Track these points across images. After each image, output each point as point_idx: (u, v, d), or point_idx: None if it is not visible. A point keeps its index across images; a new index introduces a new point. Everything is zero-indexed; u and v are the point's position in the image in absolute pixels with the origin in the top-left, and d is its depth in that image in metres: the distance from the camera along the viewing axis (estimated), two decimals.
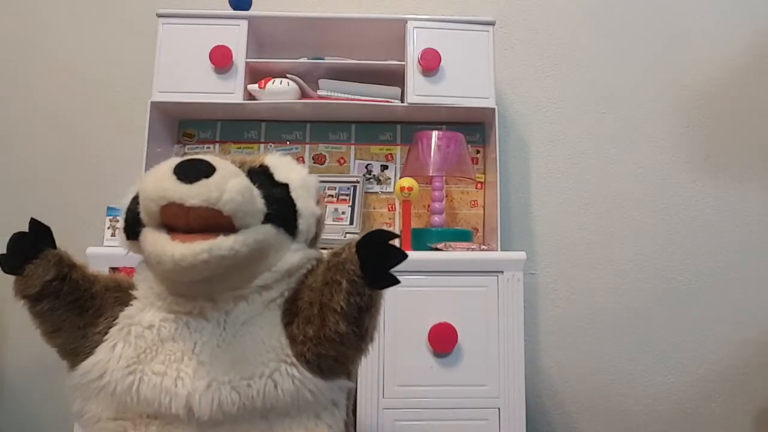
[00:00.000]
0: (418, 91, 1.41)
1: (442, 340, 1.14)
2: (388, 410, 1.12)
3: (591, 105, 1.68)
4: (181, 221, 0.60)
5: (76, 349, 0.69)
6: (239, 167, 0.66)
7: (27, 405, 1.54)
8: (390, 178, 1.57)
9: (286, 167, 0.72)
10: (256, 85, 1.42)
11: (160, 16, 1.43)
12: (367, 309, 0.64)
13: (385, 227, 0.63)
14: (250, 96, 1.44)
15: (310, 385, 0.66)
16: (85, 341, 0.68)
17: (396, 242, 0.63)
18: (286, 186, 0.69)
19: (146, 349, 0.66)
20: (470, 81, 1.42)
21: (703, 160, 1.66)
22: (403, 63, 1.43)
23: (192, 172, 0.59)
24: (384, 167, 1.58)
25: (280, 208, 0.67)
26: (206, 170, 0.59)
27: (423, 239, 1.34)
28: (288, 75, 1.44)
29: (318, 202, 0.73)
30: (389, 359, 1.14)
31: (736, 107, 1.68)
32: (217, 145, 1.58)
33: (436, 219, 1.40)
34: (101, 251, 1.16)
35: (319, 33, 1.51)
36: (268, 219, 0.65)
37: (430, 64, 1.39)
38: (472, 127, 1.57)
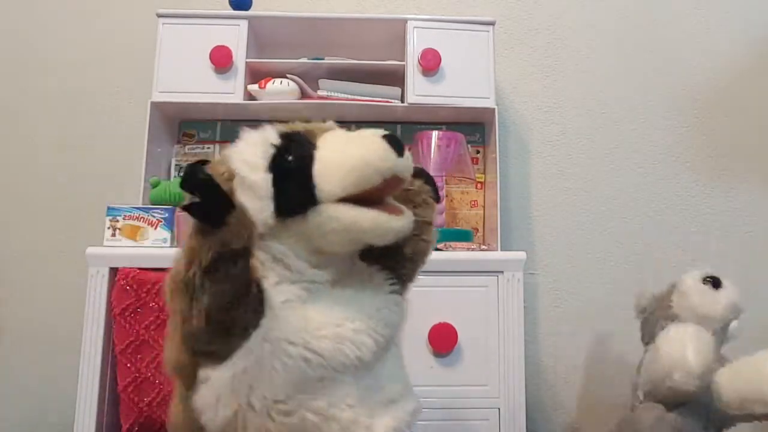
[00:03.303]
0: (418, 91, 1.41)
1: (442, 340, 1.14)
2: None
3: (591, 105, 1.68)
4: (380, 193, 0.65)
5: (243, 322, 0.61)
6: None
7: (33, 411, 1.54)
8: None
9: None
10: (256, 85, 1.42)
11: (160, 16, 1.43)
12: None
13: None
14: (250, 96, 1.44)
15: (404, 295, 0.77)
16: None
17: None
18: None
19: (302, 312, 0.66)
20: (470, 81, 1.42)
21: (703, 160, 1.66)
22: (403, 63, 1.42)
23: (399, 145, 0.64)
24: None
25: None
26: (401, 143, 0.65)
27: None
28: (288, 75, 1.44)
29: None
30: None
31: (736, 107, 1.68)
32: (217, 146, 1.58)
33: (437, 219, 1.39)
34: (101, 251, 1.16)
35: (319, 33, 1.50)
36: None
37: (430, 64, 1.39)
38: (472, 127, 1.57)
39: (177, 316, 0.58)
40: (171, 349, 0.65)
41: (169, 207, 1.23)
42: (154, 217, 1.21)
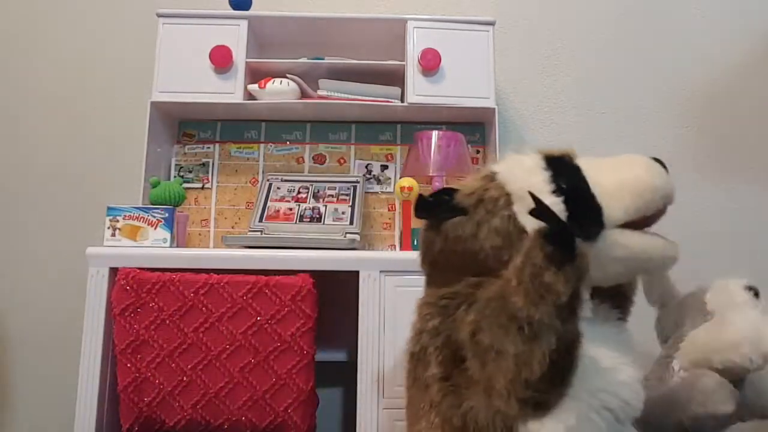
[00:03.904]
0: (418, 91, 1.41)
1: None
2: (388, 410, 1.12)
3: (591, 105, 1.68)
4: (647, 220, 0.65)
5: None
6: None
7: (33, 412, 1.54)
8: (390, 178, 1.57)
9: None
10: (256, 85, 1.42)
11: (160, 16, 1.43)
12: None
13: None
14: (250, 96, 1.44)
15: None
16: None
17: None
18: None
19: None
20: (470, 81, 1.42)
21: (703, 160, 1.66)
22: (403, 63, 1.43)
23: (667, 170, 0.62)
24: (384, 167, 1.58)
25: None
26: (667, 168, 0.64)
27: None
28: (288, 75, 1.44)
29: None
30: (389, 359, 1.14)
31: (736, 107, 1.68)
32: (217, 145, 1.58)
33: None
34: (101, 251, 1.16)
35: (319, 33, 1.51)
36: None
37: (430, 64, 1.39)
38: (472, 127, 1.57)
39: (506, 359, 0.51)
40: (477, 397, 0.55)
41: (169, 207, 1.23)
42: (154, 217, 1.21)
